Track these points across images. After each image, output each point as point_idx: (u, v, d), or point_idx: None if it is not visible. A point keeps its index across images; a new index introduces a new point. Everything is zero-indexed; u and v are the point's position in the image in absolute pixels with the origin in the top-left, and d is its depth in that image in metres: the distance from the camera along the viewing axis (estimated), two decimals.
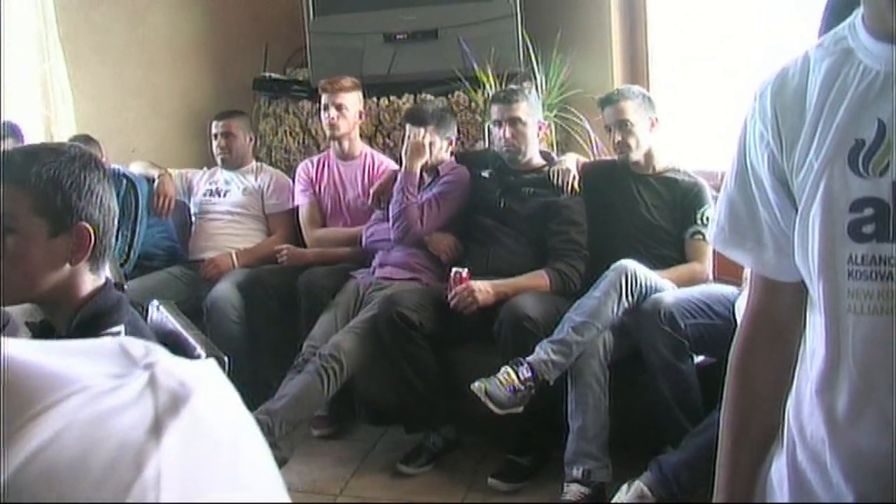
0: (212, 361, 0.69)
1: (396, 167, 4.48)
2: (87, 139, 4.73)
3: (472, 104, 4.70)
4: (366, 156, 4.74)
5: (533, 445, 3.76)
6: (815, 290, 1.27)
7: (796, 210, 1.28)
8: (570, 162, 4.16)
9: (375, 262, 4.40)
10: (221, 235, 4.88)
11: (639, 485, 3.24)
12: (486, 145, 4.57)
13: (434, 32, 4.79)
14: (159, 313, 2.14)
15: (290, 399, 3.72)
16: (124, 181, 4.75)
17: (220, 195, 4.96)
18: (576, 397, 3.52)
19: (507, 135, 4.11)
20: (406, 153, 4.30)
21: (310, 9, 4.90)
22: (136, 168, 4.97)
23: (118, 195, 4.54)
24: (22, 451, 0.54)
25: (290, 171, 4.99)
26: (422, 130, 4.27)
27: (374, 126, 4.96)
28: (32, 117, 5.41)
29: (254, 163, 5.04)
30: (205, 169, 5.13)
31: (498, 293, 3.85)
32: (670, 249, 3.88)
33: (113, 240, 1.86)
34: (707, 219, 3.72)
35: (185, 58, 5.51)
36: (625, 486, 3.28)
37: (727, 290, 3.64)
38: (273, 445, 3.56)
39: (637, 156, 3.95)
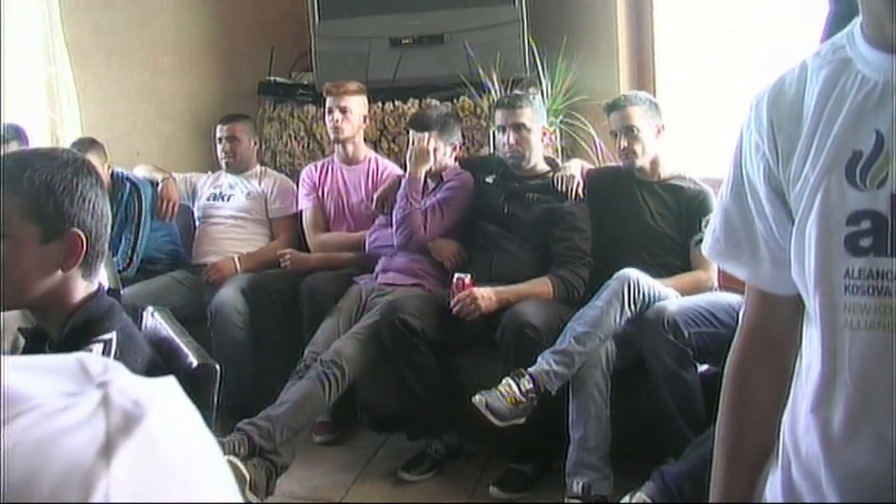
0: (171, 379, 0.68)
1: (401, 172, 4.46)
2: (91, 142, 4.73)
3: (478, 109, 4.68)
4: (370, 160, 4.72)
5: (535, 454, 3.74)
6: (812, 305, 1.24)
7: (792, 222, 1.25)
8: (575, 168, 4.13)
9: (378, 268, 4.39)
10: (225, 240, 4.87)
11: (640, 495, 3.20)
12: (491, 151, 4.55)
13: (440, 37, 4.77)
14: (154, 319, 2.13)
15: (291, 405, 3.70)
16: (128, 185, 4.75)
17: (223, 199, 4.95)
18: (577, 407, 3.50)
19: (511, 141, 4.09)
20: (410, 159, 4.28)
21: (316, 13, 4.89)
22: (140, 171, 4.97)
23: (122, 199, 4.63)
24: None
25: (295, 175, 4.98)
26: (426, 136, 4.25)
27: (379, 131, 4.94)
28: (38, 120, 5.41)
29: (258, 167, 5.02)
30: (209, 173, 5.12)
31: (501, 300, 3.83)
32: (675, 257, 3.85)
33: (106, 246, 1.84)
34: None
35: (190, 61, 5.50)
36: (626, 497, 3.26)
37: (732, 298, 3.61)
38: (274, 451, 3.57)
39: (642, 162, 3.92)
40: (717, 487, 1.45)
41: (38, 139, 5.17)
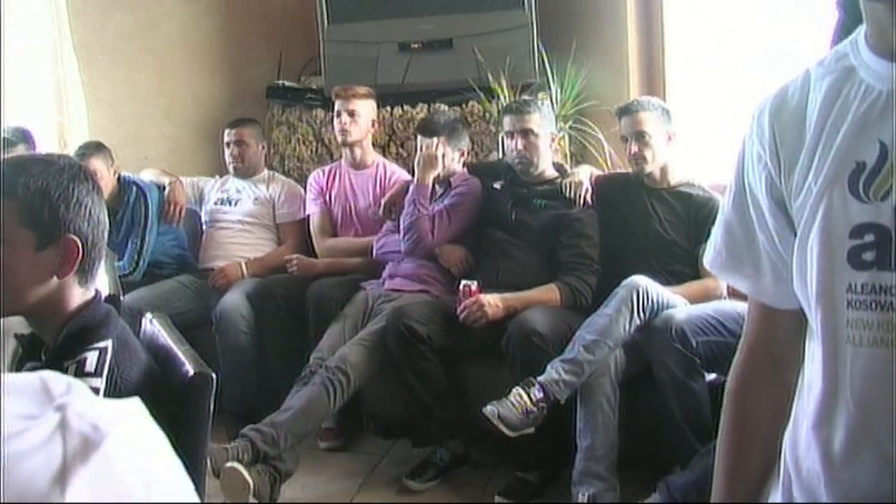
0: (135, 401, 0.65)
1: (408, 177, 4.44)
2: (97, 146, 4.73)
3: (487, 114, 4.66)
4: (378, 165, 4.70)
5: (541, 462, 3.71)
6: (814, 319, 1.21)
7: (795, 235, 1.22)
8: (584, 174, 4.11)
9: (385, 274, 4.37)
10: (232, 244, 4.86)
11: None
12: (500, 156, 4.53)
13: (449, 42, 4.75)
14: (152, 326, 2.11)
15: (295, 411, 3.68)
16: (134, 189, 4.74)
17: (231, 204, 4.94)
18: (585, 416, 3.47)
19: (520, 146, 4.07)
20: (418, 164, 4.26)
21: (325, 17, 4.87)
22: (147, 176, 4.96)
23: (128, 203, 4.63)
24: None
25: (303, 179, 4.97)
26: (434, 141, 4.23)
27: (387, 135, 4.93)
28: (46, 124, 5.42)
29: (266, 172, 5.01)
30: (217, 177, 5.12)
31: (508, 307, 3.80)
32: (684, 265, 3.82)
33: (103, 252, 1.82)
34: None
35: (198, 65, 5.50)
36: None
37: (741, 306, 3.56)
38: (278, 458, 3.55)
39: (652, 168, 3.90)
40: None
41: (46, 142, 5.18)
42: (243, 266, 4.69)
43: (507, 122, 4.12)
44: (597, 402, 3.46)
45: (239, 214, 4.91)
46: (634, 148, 3.88)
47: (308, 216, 4.83)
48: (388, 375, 3.91)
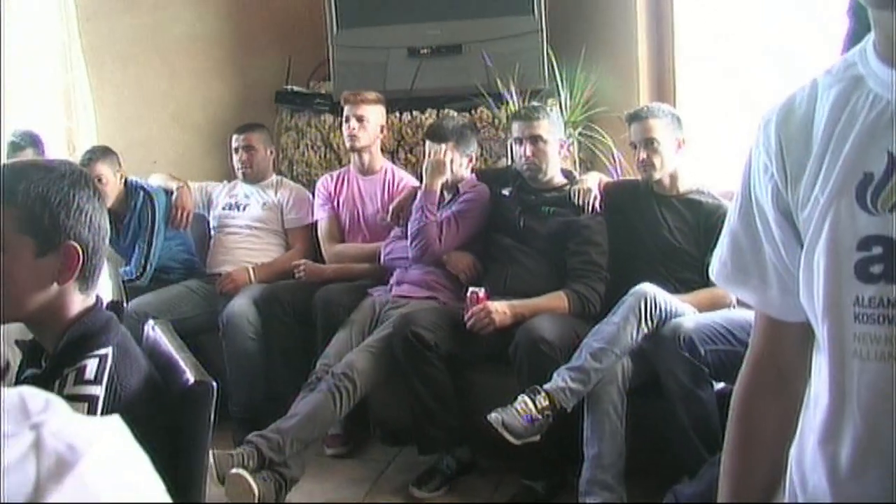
0: (115, 418, 0.64)
1: (417, 183, 4.43)
2: (104, 150, 4.73)
3: (495, 120, 4.64)
4: (386, 171, 4.69)
5: (548, 471, 3.68)
6: (820, 333, 1.19)
7: (802, 246, 1.20)
8: (592, 181, 4.09)
9: (393, 280, 4.36)
10: (239, 250, 4.85)
11: None
12: (509, 162, 4.51)
13: (458, 47, 4.74)
14: (154, 333, 2.09)
15: (301, 418, 3.66)
16: (141, 193, 4.74)
17: (239, 209, 4.94)
18: (592, 424, 3.45)
19: (528, 153, 4.05)
20: (426, 170, 4.25)
21: (334, 22, 4.86)
22: (155, 180, 4.96)
23: (135, 207, 4.63)
24: None
25: (311, 185, 4.96)
26: (442, 147, 4.22)
27: (396, 141, 4.91)
28: (54, 128, 5.42)
29: (274, 177, 5.00)
30: (225, 182, 5.11)
31: (515, 314, 3.78)
32: (693, 273, 3.78)
33: (104, 259, 1.81)
34: None
35: (207, 70, 5.49)
36: None
37: (750, 315, 3.51)
38: (283, 465, 3.54)
39: (660, 175, 3.87)
40: None
41: (55, 146, 5.18)
42: (251, 271, 4.68)
43: (515, 128, 4.11)
44: (604, 411, 3.43)
45: (247, 219, 4.90)
46: (643, 154, 3.86)
47: (316, 221, 4.81)
48: (395, 382, 3.90)
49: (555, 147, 4.10)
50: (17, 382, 1.83)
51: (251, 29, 5.43)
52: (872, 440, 1.14)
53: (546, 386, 3.41)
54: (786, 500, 1.29)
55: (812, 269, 1.17)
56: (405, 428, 4.03)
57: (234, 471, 3.40)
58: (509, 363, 3.67)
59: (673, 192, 3.92)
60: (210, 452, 3.21)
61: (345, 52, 4.89)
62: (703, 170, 4.24)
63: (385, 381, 3.91)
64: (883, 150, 1.11)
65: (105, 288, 4.19)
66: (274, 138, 5.12)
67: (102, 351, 1.72)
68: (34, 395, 0.61)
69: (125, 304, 2.55)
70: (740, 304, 3.66)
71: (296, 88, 5.19)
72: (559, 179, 4.17)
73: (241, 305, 4.38)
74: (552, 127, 4.08)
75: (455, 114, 4.69)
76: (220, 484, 3.37)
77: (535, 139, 4.04)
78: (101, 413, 1.62)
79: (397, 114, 4.86)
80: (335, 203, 4.75)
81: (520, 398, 3.40)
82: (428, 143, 4.32)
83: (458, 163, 4.27)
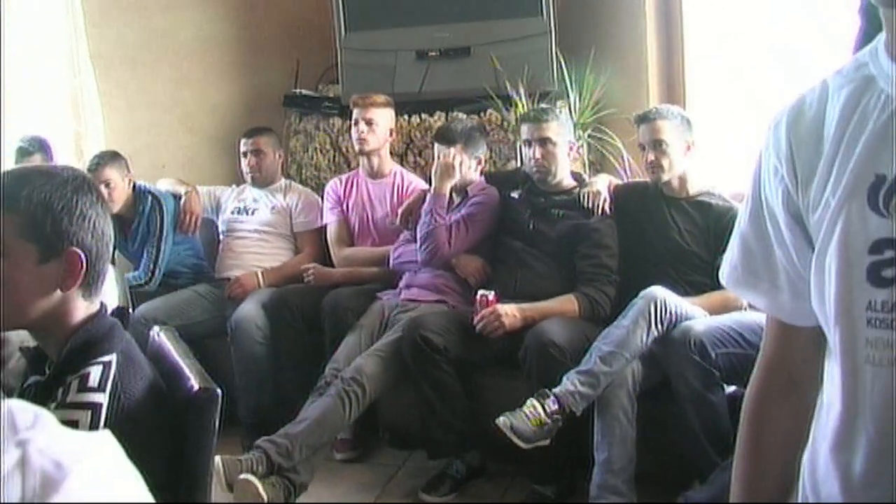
0: (105, 434, 0.62)
1: (426, 187, 4.41)
2: (112, 155, 4.73)
3: (504, 123, 4.62)
4: (395, 174, 4.68)
5: (558, 475, 3.66)
6: (832, 338, 1.17)
7: (813, 250, 1.18)
8: (602, 184, 4.06)
9: (402, 284, 4.34)
10: (248, 254, 4.84)
11: None
12: (518, 165, 4.49)
13: (467, 50, 4.72)
14: (159, 339, 2.08)
15: (310, 423, 3.65)
16: (149, 198, 4.74)
17: (248, 213, 4.93)
18: (602, 429, 3.42)
19: (537, 155, 4.03)
20: (435, 173, 4.23)
21: (342, 25, 4.85)
22: (163, 185, 4.96)
23: (143, 212, 4.63)
24: None
25: (320, 188, 4.95)
26: (451, 150, 4.20)
27: (405, 144, 4.90)
28: (63, 133, 5.42)
29: (283, 181, 4.99)
30: (233, 186, 5.10)
31: (525, 317, 3.76)
32: (703, 275, 3.75)
33: (108, 265, 1.79)
34: None
35: (215, 73, 5.49)
36: None
37: (761, 318, 3.48)
38: (292, 470, 3.53)
39: (669, 177, 3.85)
40: None
41: (63, 152, 5.18)
42: (260, 276, 4.67)
43: (524, 130, 4.09)
44: (614, 415, 3.41)
45: (256, 224, 4.89)
46: (651, 156, 3.84)
47: (325, 225, 4.80)
48: (405, 386, 3.88)
49: (564, 149, 4.08)
50: (22, 389, 1.82)
51: (259, 33, 5.42)
52: (885, 448, 1.11)
53: (555, 389, 3.39)
54: None
55: (823, 273, 1.15)
56: (414, 432, 4.01)
57: (242, 476, 3.39)
58: (519, 367, 3.65)
59: (683, 194, 3.90)
60: (218, 459, 3.22)
61: (353, 55, 4.88)
62: (712, 170, 4.21)
63: (394, 386, 3.89)
64: (895, 152, 1.09)
65: (110, 294, 4.19)
66: (282, 142, 5.11)
67: (106, 358, 1.71)
68: (23, 410, 0.59)
69: (131, 310, 2.54)
70: (751, 307, 3.64)
71: (304, 92, 5.18)
72: (568, 182, 4.15)
73: (250, 310, 4.38)
74: (561, 129, 4.05)
75: (464, 116, 4.68)
76: (229, 490, 3.36)
77: (545, 141, 4.02)
78: (105, 420, 1.61)
79: (406, 116, 4.84)
80: (344, 207, 4.74)
81: (529, 402, 3.38)
82: (436, 145, 4.30)
83: (467, 165, 4.25)
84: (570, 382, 3.39)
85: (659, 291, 3.49)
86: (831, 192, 1.14)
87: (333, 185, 4.79)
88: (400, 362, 3.83)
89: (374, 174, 4.69)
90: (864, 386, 1.12)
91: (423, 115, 4.86)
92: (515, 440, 3.34)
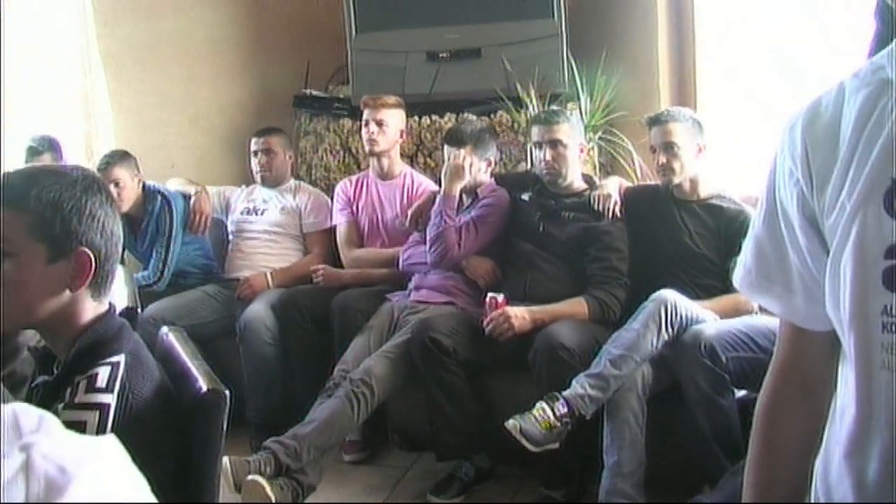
0: (110, 438, 0.61)
1: (436, 188, 4.40)
2: (122, 155, 4.73)
3: (515, 124, 4.61)
4: (405, 176, 4.67)
5: (567, 479, 3.65)
6: (847, 343, 1.15)
7: (827, 254, 1.16)
8: (612, 186, 4.05)
9: (411, 285, 4.34)
10: (258, 254, 4.84)
11: None
12: (528, 167, 4.48)
13: (477, 51, 4.71)
14: (167, 340, 2.07)
15: (318, 424, 3.64)
16: (159, 198, 4.74)
17: (257, 213, 4.92)
18: (611, 432, 3.41)
19: (548, 157, 4.02)
20: (445, 175, 4.22)
21: (352, 26, 4.84)
22: (173, 185, 4.96)
23: (153, 212, 4.63)
24: None
25: (330, 189, 4.95)
26: (461, 152, 4.18)
27: (415, 145, 4.89)
28: (73, 133, 5.43)
29: (292, 181, 4.99)
30: (243, 187, 5.10)
31: (535, 320, 3.75)
32: (714, 279, 3.74)
33: (117, 265, 1.79)
34: None
35: (225, 74, 5.49)
36: None
37: (772, 322, 3.45)
38: (300, 471, 3.52)
39: (679, 180, 3.83)
40: None
41: (73, 151, 5.18)
42: (269, 276, 4.67)
43: (535, 132, 4.07)
44: (623, 419, 3.40)
45: (265, 224, 4.89)
46: (662, 159, 3.83)
47: (334, 226, 4.79)
48: (413, 388, 3.87)
49: (575, 151, 4.07)
50: (30, 389, 1.81)
51: (270, 33, 5.42)
52: None
53: (565, 393, 3.38)
54: None
55: (838, 278, 1.14)
56: (423, 434, 4.00)
57: (250, 477, 3.38)
58: (528, 369, 3.64)
59: (694, 197, 3.89)
60: (226, 459, 3.21)
61: (363, 56, 4.87)
62: (727, 174, 4.19)
63: (403, 387, 3.88)
64: None
65: (119, 294, 4.19)
66: (292, 143, 5.10)
67: (114, 358, 1.70)
68: (27, 413, 0.59)
69: (139, 311, 2.54)
70: (762, 310, 3.62)
71: (314, 93, 5.18)
72: (579, 184, 4.14)
73: (259, 310, 4.37)
74: (572, 131, 4.04)
75: (474, 118, 4.68)
76: (237, 491, 3.35)
77: (555, 143, 4.01)
78: (113, 421, 1.60)
79: (416, 118, 4.84)
80: (354, 208, 4.73)
81: (538, 405, 3.37)
82: (446, 147, 4.29)
83: (477, 167, 4.24)
84: (579, 385, 3.38)
85: (669, 295, 3.48)
86: (847, 196, 1.12)
87: (343, 186, 4.79)
88: (409, 364, 3.83)
89: (385, 175, 4.68)
90: (878, 391, 1.11)
91: (434, 117, 4.85)
92: (525, 443, 3.33)
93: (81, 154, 5.44)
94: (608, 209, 3.95)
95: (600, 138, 4.56)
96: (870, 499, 1.13)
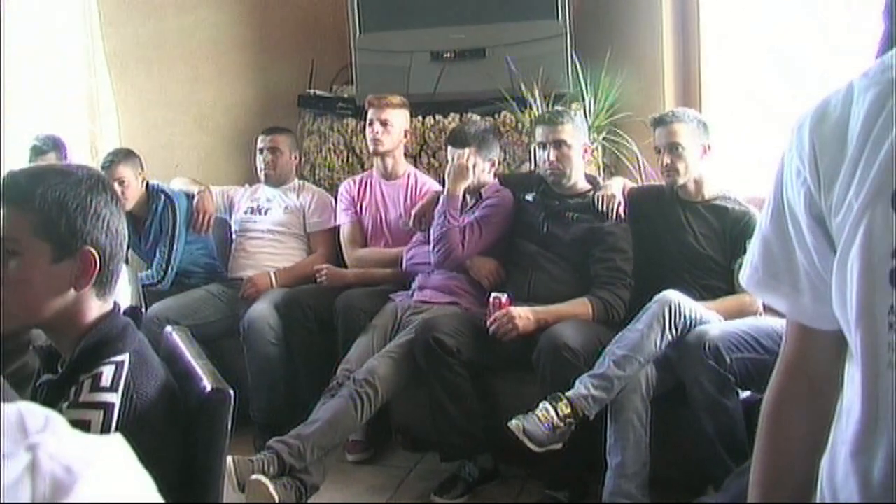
0: (116, 437, 0.61)
1: (440, 188, 4.40)
2: (126, 153, 4.73)
3: (519, 125, 4.61)
4: (409, 176, 4.66)
5: (571, 480, 3.64)
6: (853, 342, 1.15)
7: (835, 253, 1.16)
8: (616, 187, 4.05)
9: (415, 285, 4.33)
10: (261, 254, 4.84)
11: None
12: (532, 167, 4.47)
13: (482, 51, 4.71)
14: (171, 339, 2.07)
15: (322, 424, 3.64)
16: (162, 197, 4.75)
17: (261, 213, 4.92)
18: (615, 433, 3.40)
19: (552, 157, 4.01)
20: (449, 175, 4.21)
21: (357, 26, 4.84)
22: (177, 184, 4.96)
23: (156, 211, 4.63)
24: None
25: (334, 189, 4.95)
26: (465, 152, 4.18)
27: (419, 145, 4.89)
28: (78, 132, 5.43)
29: (296, 181, 4.99)
30: (247, 186, 5.09)
31: (539, 320, 3.75)
32: (719, 280, 3.74)
33: (122, 265, 1.79)
34: None
35: (230, 74, 5.49)
36: None
37: (777, 323, 3.48)
38: (304, 471, 3.52)
39: (684, 180, 3.83)
40: None
41: (78, 151, 5.19)
42: (272, 276, 4.66)
43: (539, 132, 4.07)
44: (627, 419, 3.39)
45: (269, 223, 4.89)
46: (667, 159, 3.82)
47: (338, 226, 4.79)
48: (417, 388, 3.87)
49: (579, 152, 4.06)
50: (34, 388, 1.81)
51: (274, 33, 5.42)
52: None
53: (568, 393, 3.37)
54: None
55: (845, 277, 1.13)
56: (427, 434, 4.00)
57: (254, 477, 3.38)
58: (532, 370, 3.63)
59: (698, 198, 3.88)
60: (230, 459, 3.21)
61: (368, 56, 4.87)
62: (731, 175, 4.19)
63: (407, 387, 3.88)
64: None
65: (124, 293, 4.19)
66: (297, 142, 5.10)
67: (119, 358, 1.70)
68: (33, 413, 0.58)
69: (143, 310, 2.54)
70: (767, 311, 3.62)
71: (318, 92, 5.18)
72: (583, 185, 4.13)
73: (263, 310, 4.37)
74: (576, 131, 4.04)
75: (478, 118, 4.68)
76: (241, 490, 3.35)
77: (559, 144, 4.00)
78: (117, 420, 1.60)
79: (420, 118, 4.83)
80: (358, 207, 4.73)
81: (541, 405, 3.36)
82: (450, 147, 4.28)
83: (481, 167, 4.24)
84: (583, 386, 3.38)
85: (674, 295, 3.48)
86: (854, 195, 1.12)
87: (347, 186, 4.79)
88: (412, 364, 3.83)
89: (388, 175, 4.68)
90: (885, 390, 1.11)
91: (438, 117, 4.85)
92: (528, 443, 3.32)
93: (86, 153, 5.45)
94: (612, 210, 3.94)
95: (604, 139, 4.55)
96: (876, 498, 1.13)
